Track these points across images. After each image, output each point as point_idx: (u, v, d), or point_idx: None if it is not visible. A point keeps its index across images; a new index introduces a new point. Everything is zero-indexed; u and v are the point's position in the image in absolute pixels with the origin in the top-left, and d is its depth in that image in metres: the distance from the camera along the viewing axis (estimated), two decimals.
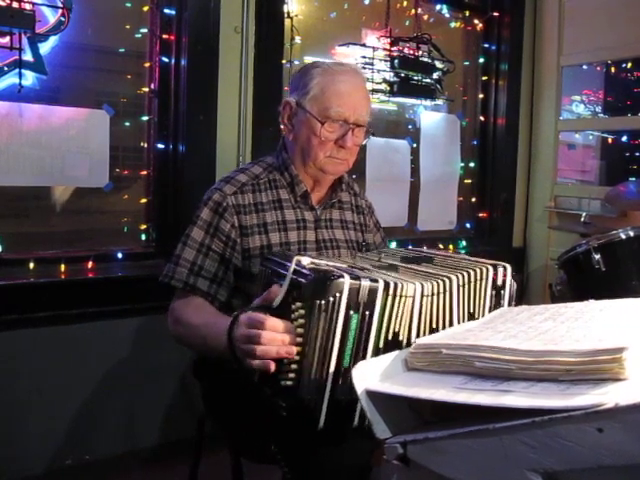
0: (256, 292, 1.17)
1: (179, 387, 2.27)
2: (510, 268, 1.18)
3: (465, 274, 1.11)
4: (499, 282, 1.16)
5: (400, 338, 1.04)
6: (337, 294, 0.96)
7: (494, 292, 1.15)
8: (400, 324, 1.04)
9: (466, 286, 1.11)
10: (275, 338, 0.99)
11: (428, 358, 0.79)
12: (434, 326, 1.08)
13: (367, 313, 0.99)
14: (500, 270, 1.16)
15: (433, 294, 1.07)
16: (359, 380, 0.76)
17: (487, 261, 1.19)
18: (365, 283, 0.99)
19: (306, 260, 1.03)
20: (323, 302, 0.96)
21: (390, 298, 1.02)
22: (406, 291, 1.03)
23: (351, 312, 0.98)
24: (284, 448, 1.19)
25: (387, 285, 1.01)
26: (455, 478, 0.64)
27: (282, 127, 1.51)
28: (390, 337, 1.03)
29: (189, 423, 1.70)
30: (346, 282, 0.97)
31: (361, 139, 1.45)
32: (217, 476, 1.62)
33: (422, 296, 1.06)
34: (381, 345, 1.02)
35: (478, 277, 1.13)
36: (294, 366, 0.99)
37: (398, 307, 1.03)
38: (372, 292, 0.99)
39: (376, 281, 1.00)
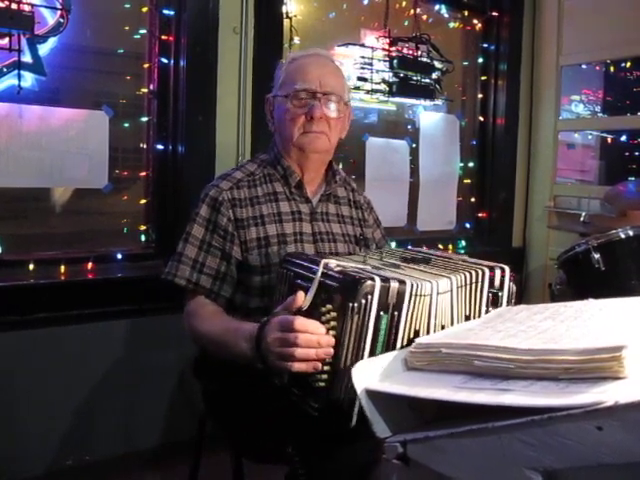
0: (280, 295, 1.18)
1: (179, 387, 2.27)
2: (508, 270, 1.16)
3: (463, 276, 1.11)
4: (496, 284, 1.15)
5: (420, 336, 1.05)
6: (369, 296, 0.98)
7: (491, 295, 1.15)
8: (420, 322, 1.05)
9: (463, 288, 1.11)
10: (311, 339, 1.00)
11: (428, 357, 0.79)
12: (443, 324, 1.09)
13: (396, 313, 1.01)
14: (497, 272, 1.15)
15: (445, 292, 1.08)
16: (359, 379, 0.76)
17: (485, 262, 1.18)
18: (394, 285, 1.00)
19: (333, 263, 1.05)
20: (356, 304, 0.97)
21: (413, 297, 1.03)
22: (424, 290, 1.04)
23: (381, 313, 0.99)
24: (302, 449, 1.19)
25: (412, 285, 1.03)
26: (455, 477, 0.64)
27: (268, 125, 1.54)
28: (412, 335, 1.04)
29: (189, 424, 1.70)
30: (377, 284, 0.98)
31: (335, 112, 1.44)
32: (217, 476, 1.62)
33: (437, 294, 1.07)
34: (404, 344, 1.03)
35: (474, 279, 1.12)
36: (326, 367, 1.00)
37: (418, 306, 1.04)
38: (400, 293, 1.01)
39: (404, 282, 1.02)
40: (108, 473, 2.11)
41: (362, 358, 0.98)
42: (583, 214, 2.67)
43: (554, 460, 0.57)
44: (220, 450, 1.51)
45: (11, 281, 1.97)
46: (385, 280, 1.00)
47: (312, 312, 1.03)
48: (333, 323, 1.00)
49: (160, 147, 2.32)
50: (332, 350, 1.00)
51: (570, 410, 0.56)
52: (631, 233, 2.17)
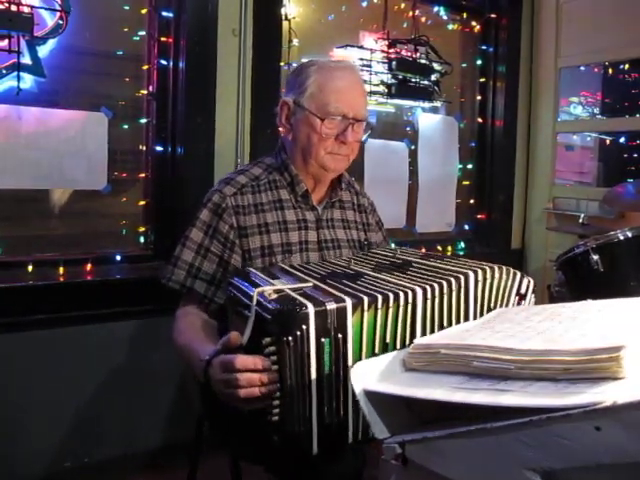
0: (230, 320, 1.16)
1: (178, 390, 2.26)
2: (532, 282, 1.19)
3: (433, 286, 1.08)
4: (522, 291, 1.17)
5: (397, 347, 1.02)
6: (303, 326, 0.94)
7: (517, 298, 1.17)
8: (394, 334, 1.02)
9: (433, 300, 1.08)
10: (252, 378, 0.97)
11: (426, 358, 0.79)
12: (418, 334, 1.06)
13: (340, 336, 0.97)
14: (524, 281, 1.18)
15: (428, 298, 1.05)
16: (357, 380, 0.76)
17: (475, 263, 1.19)
18: (331, 306, 0.96)
19: (268, 290, 1.00)
20: (291, 338, 0.93)
21: (371, 312, 0.99)
22: (385, 301, 1.01)
23: (322, 339, 0.95)
24: (277, 470, 1.19)
25: (360, 301, 0.98)
26: (453, 477, 0.64)
27: (280, 127, 1.50)
28: (378, 350, 1.01)
29: (188, 426, 1.69)
30: (310, 312, 0.94)
31: (361, 134, 1.46)
32: (216, 479, 1.62)
33: (424, 300, 1.04)
34: (363, 358, 1.00)
35: (445, 290, 1.09)
36: (277, 402, 0.97)
37: (384, 318, 1.01)
38: (341, 313, 0.97)
39: (343, 300, 0.97)
40: (107, 475, 2.11)
41: (309, 386, 0.96)
42: (582, 216, 2.67)
43: (553, 460, 0.57)
44: (219, 452, 1.50)
45: (10, 282, 1.96)
46: (320, 304, 0.95)
47: (254, 347, 1.00)
48: (273, 358, 0.96)
49: (159, 149, 2.32)
50: (277, 385, 0.97)
51: (568, 410, 0.56)
52: (630, 234, 2.17)
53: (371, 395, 0.74)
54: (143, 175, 2.35)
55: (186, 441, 1.70)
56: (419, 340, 0.86)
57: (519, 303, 1.18)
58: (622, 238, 2.18)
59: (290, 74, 1.51)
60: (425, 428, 0.71)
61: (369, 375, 0.78)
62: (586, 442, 0.55)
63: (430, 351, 0.79)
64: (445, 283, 1.07)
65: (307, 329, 0.94)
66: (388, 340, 1.02)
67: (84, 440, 2.10)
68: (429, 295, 1.05)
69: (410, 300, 1.03)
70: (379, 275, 1.13)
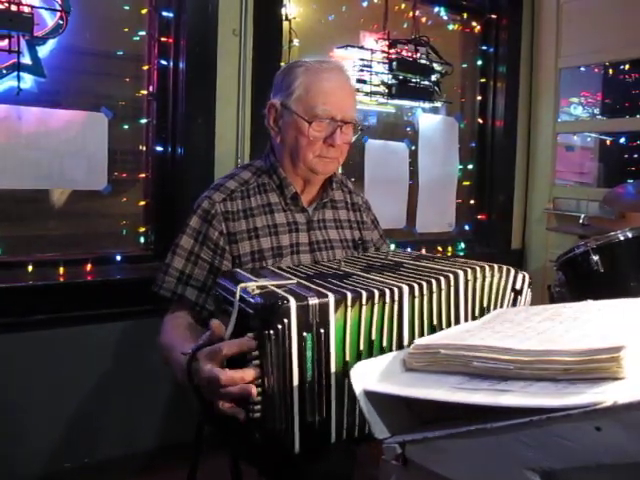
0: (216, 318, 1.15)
1: (178, 390, 2.26)
2: (528, 276, 1.18)
3: (422, 283, 1.07)
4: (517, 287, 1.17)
5: (384, 345, 1.02)
6: (285, 320, 0.93)
7: (513, 294, 1.16)
8: (380, 331, 1.02)
9: (422, 297, 1.07)
10: (234, 377, 0.95)
11: (426, 358, 0.79)
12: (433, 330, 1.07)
13: (322, 331, 0.96)
14: (519, 277, 1.17)
15: (416, 296, 1.05)
16: (357, 380, 0.76)
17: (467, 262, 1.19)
18: (314, 301, 0.95)
19: (251, 285, 1.00)
20: (272, 331, 0.92)
21: (355, 308, 0.99)
22: (370, 298, 1.00)
23: (304, 334, 0.95)
24: (263, 467, 1.18)
25: (344, 297, 0.98)
26: (453, 477, 0.64)
27: (269, 130, 1.48)
28: (363, 347, 1.00)
29: (188, 427, 1.69)
30: (292, 305, 0.93)
31: (350, 136, 1.44)
32: (216, 478, 1.62)
33: (411, 298, 1.03)
34: (348, 358, 0.99)
35: (434, 288, 1.08)
36: (258, 398, 0.96)
37: (369, 315, 1.00)
38: (323, 308, 0.96)
39: (325, 296, 0.97)
40: (106, 475, 2.11)
41: (292, 384, 0.94)
42: (582, 216, 2.67)
43: (552, 460, 0.57)
44: (219, 452, 1.50)
45: (10, 282, 1.96)
46: (302, 298, 0.95)
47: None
48: (255, 353, 0.95)
49: (159, 149, 2.32)
50: (254, 389, 0.94)
51: (569, 410, 0.56)
52: (630, 235, 2.17)
53: (371, 395, 0.74)
54: (143, 175, 2.35)
55: (186, 441, 1.69)
56: (419, 340, 0.86)
57: (515, 299, 1.17)
58: (622, 238, 2.18)
59: (277, 75, 1.49)
60: (425, 428, 0.71)
61: (369, 375, 0.78)
62: (586, 442, 0.55)
63: (430, 351, 0.79)
64: (434, 281, 1.07)
65: (289, 323, 0.93)
66: (374, 337, 1.02)
67: (84, 440, 2.10)
68: (417, 293, 1.05)
69: (397, 298, 1.03)
70: (368, 275, 1.12)
